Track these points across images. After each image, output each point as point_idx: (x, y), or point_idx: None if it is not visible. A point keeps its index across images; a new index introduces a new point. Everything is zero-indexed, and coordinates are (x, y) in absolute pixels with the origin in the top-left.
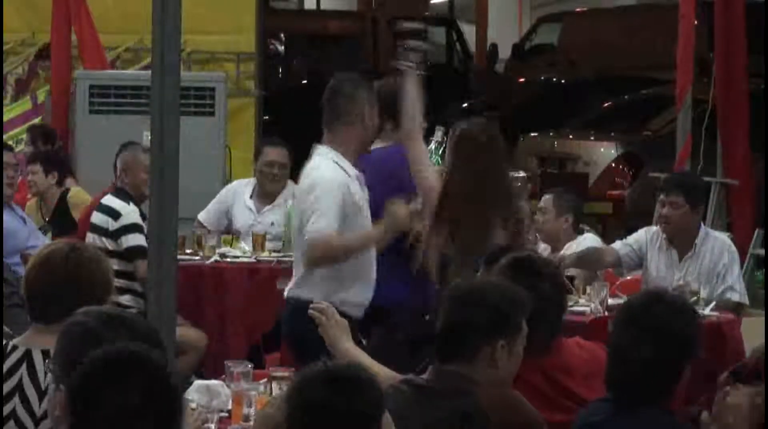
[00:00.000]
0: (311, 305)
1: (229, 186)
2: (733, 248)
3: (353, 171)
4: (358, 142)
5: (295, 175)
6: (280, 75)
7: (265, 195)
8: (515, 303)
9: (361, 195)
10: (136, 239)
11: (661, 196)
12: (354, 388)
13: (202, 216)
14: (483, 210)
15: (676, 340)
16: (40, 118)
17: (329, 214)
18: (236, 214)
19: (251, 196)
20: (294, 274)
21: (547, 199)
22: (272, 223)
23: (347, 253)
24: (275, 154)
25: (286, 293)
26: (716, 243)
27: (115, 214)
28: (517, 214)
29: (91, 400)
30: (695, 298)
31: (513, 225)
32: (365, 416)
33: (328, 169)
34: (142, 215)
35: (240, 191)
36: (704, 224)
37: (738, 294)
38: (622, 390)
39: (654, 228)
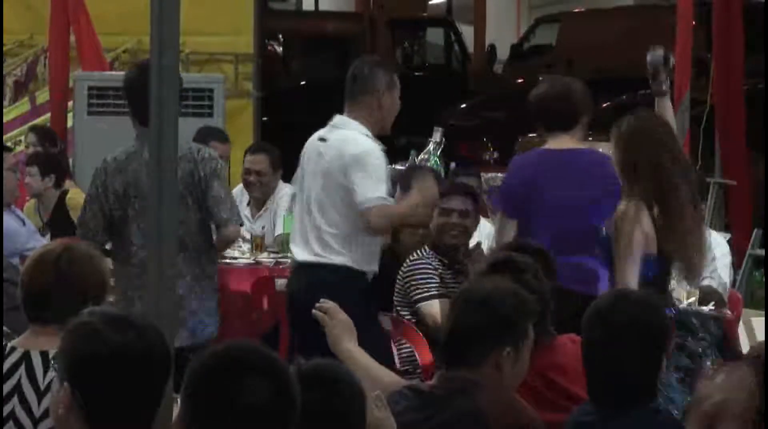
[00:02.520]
0: (317, 304)
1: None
2: (726, 246)
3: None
4: (372, 119)
5: (287, 176)
6: (278, 76)
7: (254, 202)
8: (522, 309)
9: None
10: None
11: None
12: (328, 384)
13: None
14: None
15: (646, 334)
16: (40, 119)
17: (383, 182)
18: None
19: (248, 204)
20: (317, 243)
21: None
22: (263, 228)
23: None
24: (250, 161)
25: (317, 259)
26: (709, 240)
27: None
28: None
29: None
30: (692, 299)
31: None
32: (340, 412)
33: (366, 140)
34: None
35: (239, 199)
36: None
37: (715, 281)
38: (601, 391)
39: None
